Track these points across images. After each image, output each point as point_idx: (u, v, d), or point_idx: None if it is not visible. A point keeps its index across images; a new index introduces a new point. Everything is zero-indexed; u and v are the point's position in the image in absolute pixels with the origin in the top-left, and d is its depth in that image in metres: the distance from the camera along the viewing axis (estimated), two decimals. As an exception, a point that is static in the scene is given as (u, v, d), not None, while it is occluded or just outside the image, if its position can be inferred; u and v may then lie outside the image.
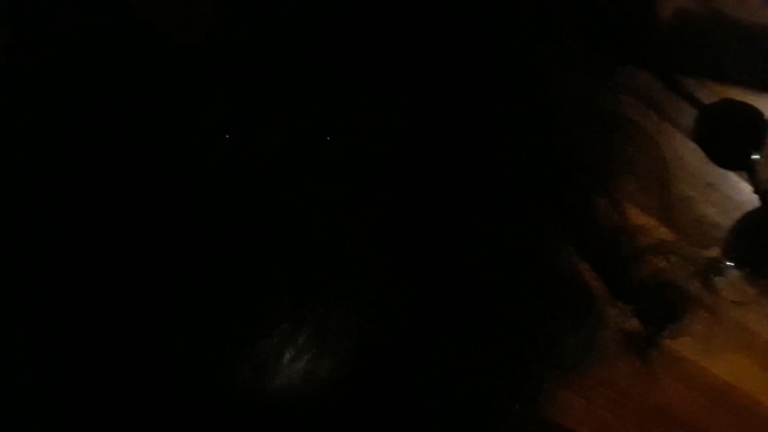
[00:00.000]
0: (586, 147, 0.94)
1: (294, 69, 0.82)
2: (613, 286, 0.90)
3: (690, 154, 1.57)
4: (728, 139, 1.56)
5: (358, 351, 0.79)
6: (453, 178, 0.84)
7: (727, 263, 1.51)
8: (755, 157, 1.54)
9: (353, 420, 0.79)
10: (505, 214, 0.84)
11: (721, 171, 1.57)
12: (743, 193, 1.58)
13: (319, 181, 0.81)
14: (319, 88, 0.82)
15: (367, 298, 0.80)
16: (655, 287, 0.96)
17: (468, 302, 0.82)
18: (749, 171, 1.55)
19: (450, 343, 0.82)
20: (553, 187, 0.88)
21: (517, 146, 0.86)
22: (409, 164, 0.84)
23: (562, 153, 0.90)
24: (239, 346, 0.76)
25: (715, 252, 1.52)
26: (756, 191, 1.56)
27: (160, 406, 0.77)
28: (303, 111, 0.81)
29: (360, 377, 0.79)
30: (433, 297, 0.82)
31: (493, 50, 0.87)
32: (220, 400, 0.75)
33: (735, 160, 1.57)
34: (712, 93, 1.55)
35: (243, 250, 0.77)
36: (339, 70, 0.82)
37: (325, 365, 0.77)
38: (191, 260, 0.77)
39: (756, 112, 1.53)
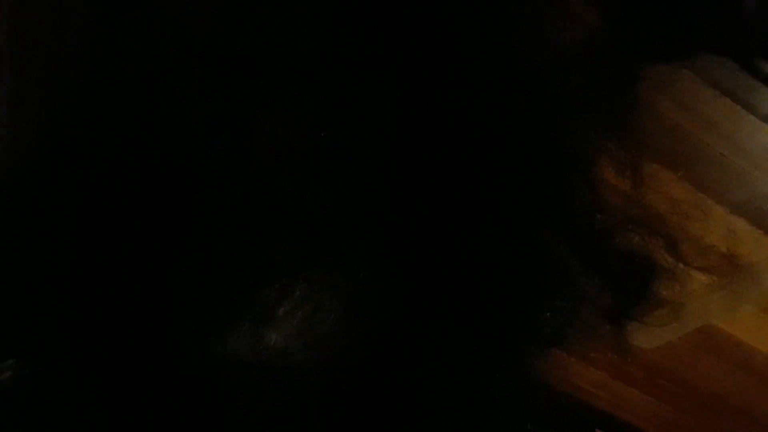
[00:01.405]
0: (561, 127, 0.91)
1: (292, 63, 0.84)
2: (588, 260, 0.88)
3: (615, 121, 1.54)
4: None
5: (350, 315, 0.81)
6: (440, 164, 0.85)
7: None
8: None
9: (344, 381, 0.82)
10: (483, 191, 0.85)
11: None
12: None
13: (316, 176, 0.82)
14: (316, 82, 0.84)
15: (360, 273, 0.82)
16: (627, 260, 0.92)
17: (448, 280, 0.84)
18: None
19: (431, 317, 0.83)
20: (529, 167, 0.88)
21: (497, 129, 0.86)
22: (404, 157, 0.85)
23: (539, 135, 0.89)
24: (239, 296, 0.78)
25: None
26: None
27: (160, 361, 0.79)
28: (299, 105, 0.82)
29: (351, 341, 0.81)
30: (420, 276, 0.83)
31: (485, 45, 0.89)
32: (220, 351, 0.80)
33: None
34: None
35: (241, 238, 0.79)
36: (337, 65, 0.84)
37: (319, 324, 0.79)
38: (191, 244, 0.80)
39: (839, 95, 1.50)
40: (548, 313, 0.89)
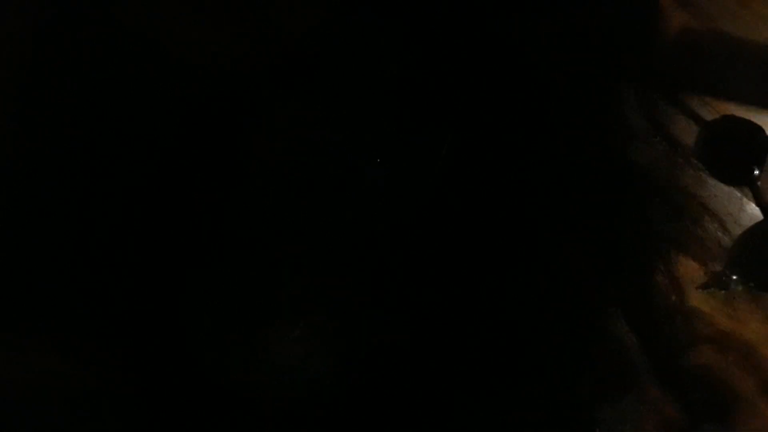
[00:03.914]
0: (653, 223, 1.01)
1: (352, 89, 0.86)
2: (661, 367, 0.91)
3: (692, 170, 1.58)
4: (730, 155, 1.59)
5: (364, 349, 0.83)
6: (492, 218, 0.88)
7: (732, 277, 1.46)
8: (757, 172, 1.57)
9: (346, 409, 0.84)
10: (556, 274, 0.88)
11: (724, 187, 1.58)
12: (746, 208, 1.58)
13: (361, 196, 0.84)
14: (372, 110, 0.86)
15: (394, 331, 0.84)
16: (706, 380, 0.95)
17: (508, 357, 0.86)
18: (751, 186, 1.57)
19: (487, 388, 0.85)
20: (612, 258, 0.93)
21: (563, 197, 0.90)
22: (450, 196, 0.87)
23: (626, 225, 0.96)
24: (254, 324, 0.83)
25: (718, 266, 1.47)
26: (758, 206, 1.57)
27: (173, 363, 0.85)
28: (351, 132, 0.86)
29: (363, 372, 0.84)
30: (470, 344, 0.86)
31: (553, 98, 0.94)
32: (233, 370, 0.84)
33: (737, 176, 1.59)
34: (713, 110, 1.61)
35: (272, 245, 0.84)
36: (390, 96, 0.86)
37: (331, 351, 0.83)
38: (223, 250, 0.86)
39: (757, 129, 1.58)
40: (606, 409, 0.94)
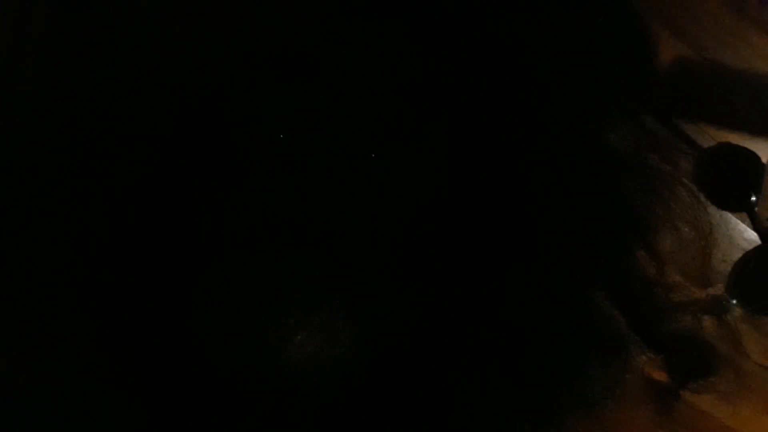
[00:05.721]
0: (630, 199, 1.02)
1: (353, 82, 0.87)
2: (644, 334, 0.96)
3: (690, 196, 1.59)
4: (727, 182, 1.60)
5: (364, 350, 0.82)
6: (492, 215, 0.89)
7: (732, 302, 1.47)
8: (753, 198, 1.59)
9: (350, 405, 0.83)
10: (542, 253, 0.90)
11: (721, 212, 1.59)
12: (743, 233, 1.59)
13: (361, 196, 0.84)
14: (374, 104, 0.87)
15: (383, 311, 0.84)
16: (687, 342, 1.01)
17: (496, 330, 0.86)
18: (748, 212, 1.58)
19: (473, 362, 0.86)
20: (592, 233, 0.94)
21: (560, 191, 0.92)
22: (450, 195, 0.88)
23: (605, 202, 0.97)
24: (256, 325, 0.83)
25: (718, 291, 1.48)
26: (756, 230, 1.58)
27: (187, 376, 0.84)
28: (354, 125, 0.86)
29: (363, 373, 0.83)
30: (460, 319, 0.86)
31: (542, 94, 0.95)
32: (236, 370, 0.83)
33: (734, 202, 1.60)
34: (710, 137, 1.62)
35: (273, 245, 0.84)
36: (393, 94, 0.87)
37: (332, 352, 0.82)
38: (224, 250, 0.85)
39: (752, 155, 1.60)
40: (595, 376, 0.98)
